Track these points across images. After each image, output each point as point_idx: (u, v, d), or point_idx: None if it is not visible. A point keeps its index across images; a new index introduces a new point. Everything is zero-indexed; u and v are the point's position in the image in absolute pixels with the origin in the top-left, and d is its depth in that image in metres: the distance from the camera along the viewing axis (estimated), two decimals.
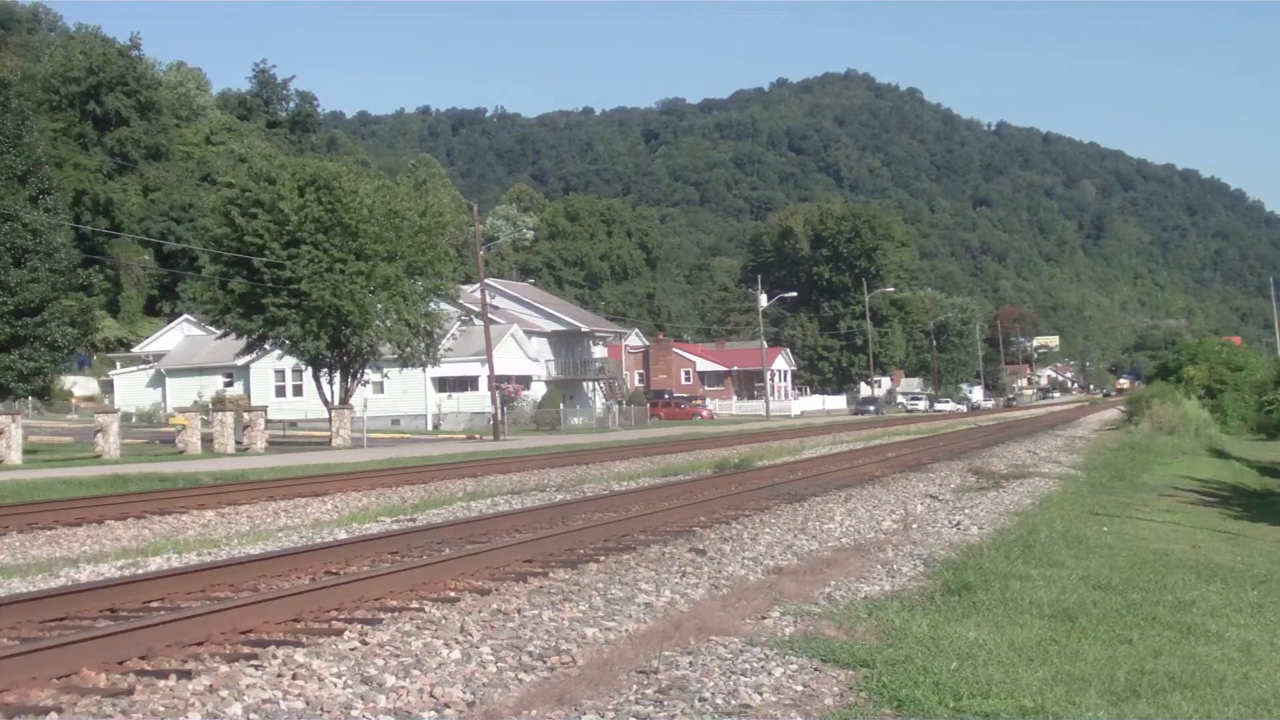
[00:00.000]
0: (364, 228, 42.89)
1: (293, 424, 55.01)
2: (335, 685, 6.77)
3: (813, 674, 7.21)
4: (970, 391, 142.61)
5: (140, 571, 11.46)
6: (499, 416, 51.63)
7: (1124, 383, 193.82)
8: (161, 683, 6.77)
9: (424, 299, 46.54)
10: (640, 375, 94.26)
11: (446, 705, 6.46)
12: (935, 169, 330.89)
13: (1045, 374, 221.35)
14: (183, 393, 65.21)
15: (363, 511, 18.33)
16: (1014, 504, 18.39)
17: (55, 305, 38.42)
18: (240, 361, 58.30)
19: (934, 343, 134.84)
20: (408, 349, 45.87)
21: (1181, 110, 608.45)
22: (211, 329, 52.16)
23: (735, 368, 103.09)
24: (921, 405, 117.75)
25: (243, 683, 6.75)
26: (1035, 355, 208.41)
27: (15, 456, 31.28)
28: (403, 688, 6.73)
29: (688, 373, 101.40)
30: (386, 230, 43.84)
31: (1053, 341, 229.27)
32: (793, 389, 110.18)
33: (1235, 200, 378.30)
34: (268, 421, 43.29)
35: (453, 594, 9.76)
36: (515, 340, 69.11)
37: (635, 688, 6.82)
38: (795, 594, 9.92)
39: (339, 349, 45.54)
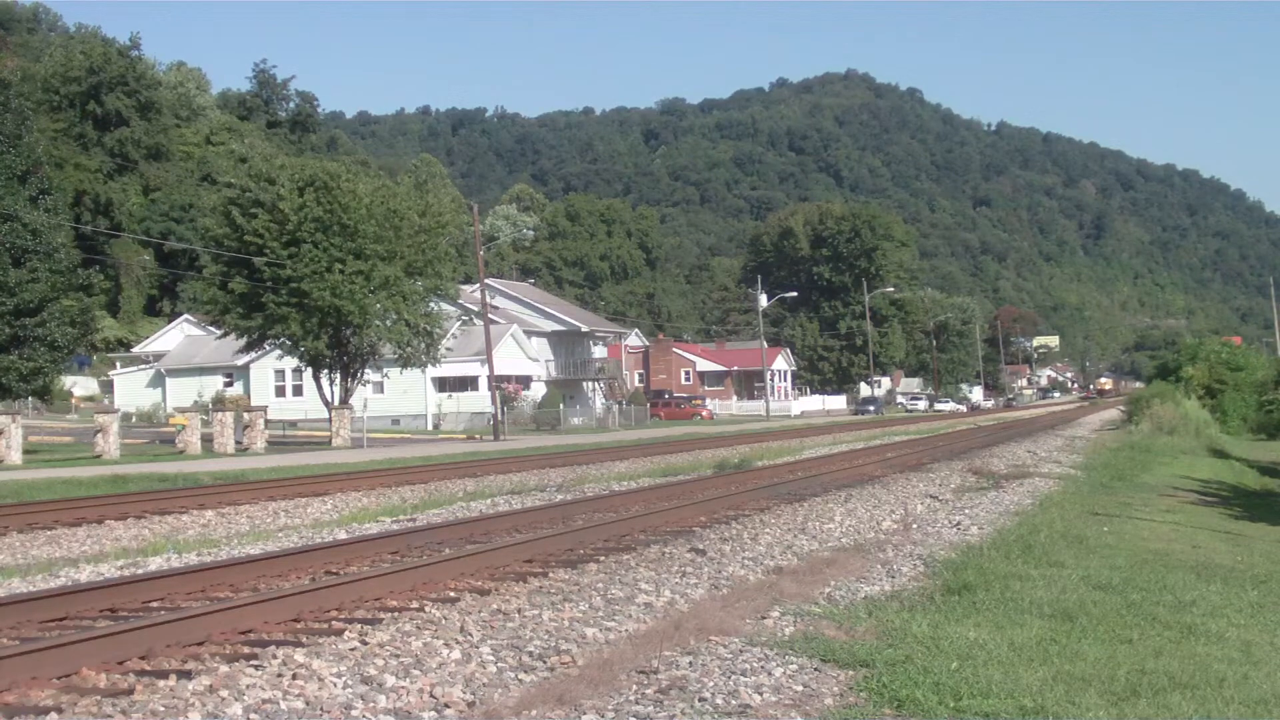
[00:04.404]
0: (362, 228, 42.90)
1: (293, 424, 55.00)
2: (335, 685, 6.77)
3: (813, 674, 7.21)
4: (970, 392, 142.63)
5: (140, 571, 11.46)
6: (499, 416, 51.63)
7: (1105, 382, 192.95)
8: (161, 683, 6.77)
9: (424, 299, 46.54)
10: (640, 375, 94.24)
11: (446, 705, 6.46)
12: (935, 169, 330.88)
13: (1045, 374, 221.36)
14: (183, 393, 65.21)
15: (363, 511, 18.33)
16: (1014, 504, 18.38)
17: (55, 305, 38.42)
18: (240, 361, 58.37)
19: (934, 343, 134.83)
20: (408, 349, 45.87)
21: (1181, 110, 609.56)
22: (211, 329, 52.25)
23: (735, 368, 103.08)
24: (921, 405, 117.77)
25: (243, 683, 6.75)
26: (1035, 355, 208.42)
27: (15, 456, 31.28)
28: (403, 688, 6.73)
29: (688, 373, 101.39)
30: (385, 230, 43.86)
31: (1052, 341, 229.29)
32: (793, 389, 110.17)
33: (1235, 200, 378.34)
34: (268, 421, 43.29)
35: (453, 594, 9.76)
36: (515, 340, 69.11)
37: (635, 688, 6.82)
38: (795, 594, 9.92)
39: (339, 349, 45.55)
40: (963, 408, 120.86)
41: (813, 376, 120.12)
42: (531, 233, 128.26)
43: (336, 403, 46.01)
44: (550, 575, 10.79)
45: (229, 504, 19.33)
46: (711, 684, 6.90)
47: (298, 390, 62.49)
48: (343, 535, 14.66)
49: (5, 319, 36.72)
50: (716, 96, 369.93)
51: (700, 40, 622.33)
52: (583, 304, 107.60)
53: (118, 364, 78.10)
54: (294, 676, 6.90)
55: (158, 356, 73.30)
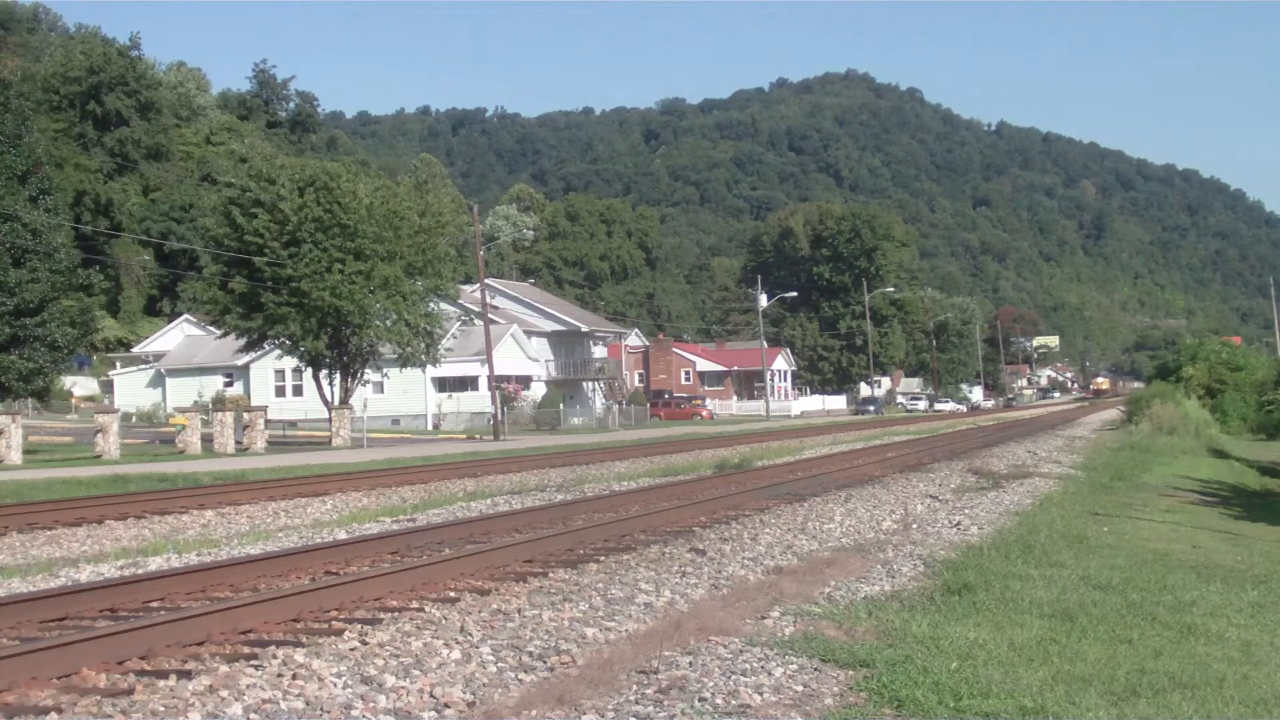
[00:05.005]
0: (362, 228, 42.91)
1: (293, 424, 55.00)
2: (335, 685, 6.77)
3: (813, 674, 7.21)
4: (970, 392, 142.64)
5: (140, 571, 11.46)
6: (499, 416, 51.62)
7: (1102, 381, 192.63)
8: (161, 683, 6.77)
9: (424, 299, 46.54)
10: (640, 375, 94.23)
11: (446, 705, 6.46)
12: (935, 169, 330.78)
13: (1045, 374, 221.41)
14: (183, 393, 65.19)
15: (363, 511, 18.33)
16: (1014, 504, 18.38)
17: (55, 305, 38.40)
18: (240, 361, 58.35)
19: (934, 343, 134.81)
20: (408, 349, 45.86)
21: (1181, 110, 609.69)
22: (211, 329, 52.20)
23: (735, 368, 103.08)
24: (921, 405, 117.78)
25: (243, 683, 6.75)
26: (1035, 355, 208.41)
27: (15, 456, 31.28)
28: (403, 688, 6.73)
29: (688, 373, 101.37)
30: (385, 230, 43.86)
31: (1052, 341, 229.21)
32: (793, 389, 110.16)
33: (1235, 200, 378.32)
34: (268, 421, 43.28)
35: (453, 594, 9.76)
36: (515, 340, 69.10)
37: (635, 688, 6.82)
38: (795, 594, 9.92)
39: (339, 349, 45.55)
40: (963, 408, 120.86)
41: (813, 376, 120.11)
42: (531, 233, 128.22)
43: (336, 403, 46.00)
44: (550, 575, 10.79)
45: (229, 504, 19.33)
46: (711, 684, 6.90)
47: (298, 390, 62.47)
48: (343, 535, 14.66)
49: (5, 319, 36.70)
50: (716, 96, 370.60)
51: (700, 40, 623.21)
52: (583, 304, 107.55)
53: (118, 364, 78.07)
54: (294, 676, 6.90)
55: (158, 356, 73.28)
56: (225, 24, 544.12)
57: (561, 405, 66.13)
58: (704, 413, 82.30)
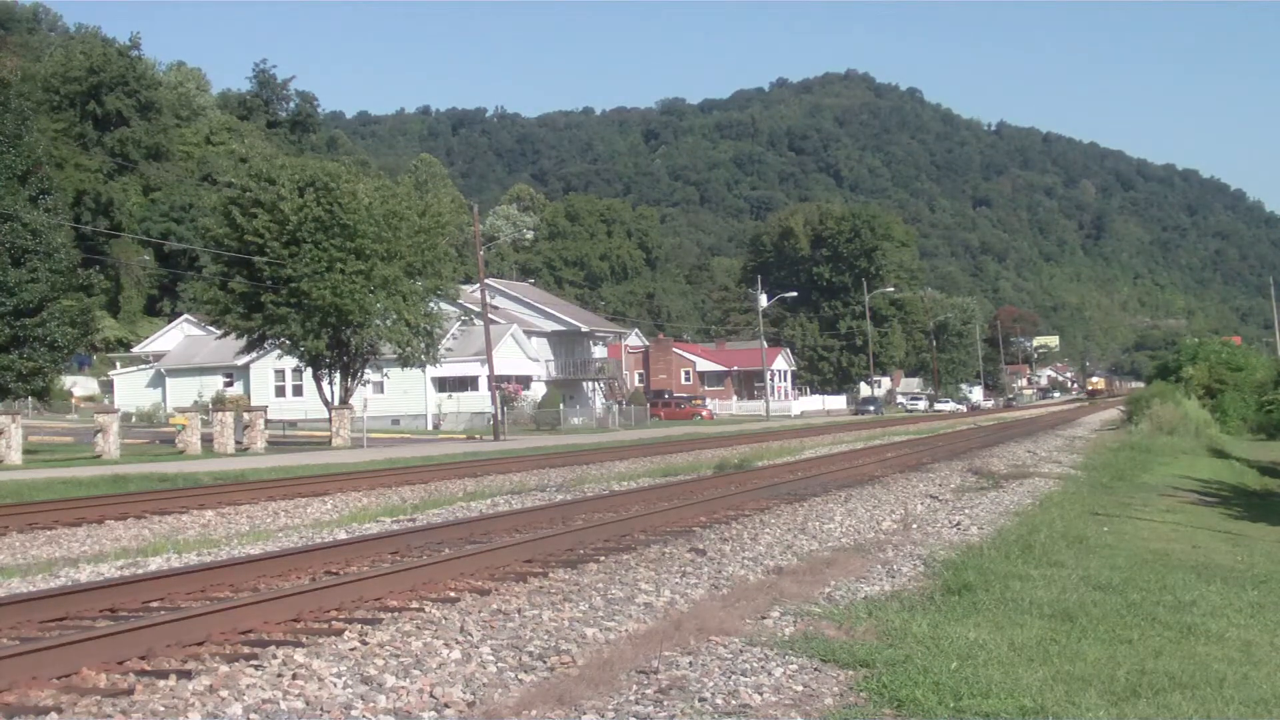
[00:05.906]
0: (362, 228, 42.92)
1: (293, 424, 55.00)
2: (335, 685, 6.77)
3: (813, 674, 7.21)
4: (970, 392, 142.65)
5: (140, 571, 11.46)
6: (499, 416, 51.62)
7: (1098, 381, 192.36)
8: (161, 683, 6.77)
9: (424, 299, 46.55)
10: (640, 375, 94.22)
11: (446, 705, 6.46)
12: (935, 169, 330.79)
13: (1045, 374, 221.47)
14: (183, 393, 65.20)
15: (363, 511, 18.33)
16: (1014, 504, 18.38)
17: (55, 305, 38.37)
18: (240, 361, 58.30)
19: (934, 343, 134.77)
20: (408, 349, 45.87)
21: (1181, 110, 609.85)
22: (211, 329, 52.21)
23: (735, 368, 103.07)
24: (921, 405, 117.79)
25: (243, 683, 6.75)
26: (1035, 355, 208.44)
27: (15, 456, 31.27)
28: (403, 688, 6.73)
29: (688, 373, 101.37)
30: (385, 230, 43.87)
31: (1052, 341, 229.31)
32: (793, 389, 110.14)
33: (1235, 200, 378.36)
34: (268, 421, 43.28)
35: (453, 594, 9.76)
36: (515, 340, 69.10)
37: (635, 688, 6.82)
38: (795, 594, 9.92)
39: (339, 349, 45.55)
40: (963, 408, 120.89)
41: (813, 376, 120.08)
42: (531, 233, 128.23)
43: (336, 403, 46.00)
44: (550, 575, 10.79)
45: (229, 504, 19.32)
46: (711, 684, 6.90)
47: (298, 390, 62.49)
48: (343, 535, 14.66)
49: (5, 319, 36.68)
50: (716, 96, 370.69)
51: (700, 40, 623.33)
52: (583, 304, 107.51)
53: (118, 364, 78.08)
54: (294, 676, 6.90)
55: (158, 356, 73.28)
56: (225, 24, 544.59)
57: (561, 405, 66.14)
58: (704, 413, 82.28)
